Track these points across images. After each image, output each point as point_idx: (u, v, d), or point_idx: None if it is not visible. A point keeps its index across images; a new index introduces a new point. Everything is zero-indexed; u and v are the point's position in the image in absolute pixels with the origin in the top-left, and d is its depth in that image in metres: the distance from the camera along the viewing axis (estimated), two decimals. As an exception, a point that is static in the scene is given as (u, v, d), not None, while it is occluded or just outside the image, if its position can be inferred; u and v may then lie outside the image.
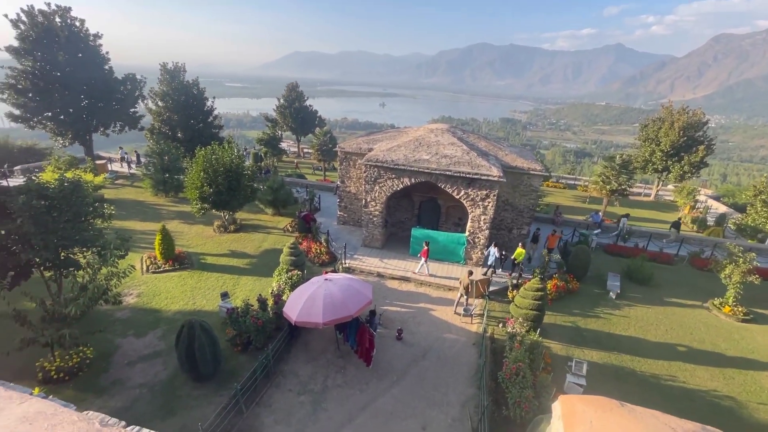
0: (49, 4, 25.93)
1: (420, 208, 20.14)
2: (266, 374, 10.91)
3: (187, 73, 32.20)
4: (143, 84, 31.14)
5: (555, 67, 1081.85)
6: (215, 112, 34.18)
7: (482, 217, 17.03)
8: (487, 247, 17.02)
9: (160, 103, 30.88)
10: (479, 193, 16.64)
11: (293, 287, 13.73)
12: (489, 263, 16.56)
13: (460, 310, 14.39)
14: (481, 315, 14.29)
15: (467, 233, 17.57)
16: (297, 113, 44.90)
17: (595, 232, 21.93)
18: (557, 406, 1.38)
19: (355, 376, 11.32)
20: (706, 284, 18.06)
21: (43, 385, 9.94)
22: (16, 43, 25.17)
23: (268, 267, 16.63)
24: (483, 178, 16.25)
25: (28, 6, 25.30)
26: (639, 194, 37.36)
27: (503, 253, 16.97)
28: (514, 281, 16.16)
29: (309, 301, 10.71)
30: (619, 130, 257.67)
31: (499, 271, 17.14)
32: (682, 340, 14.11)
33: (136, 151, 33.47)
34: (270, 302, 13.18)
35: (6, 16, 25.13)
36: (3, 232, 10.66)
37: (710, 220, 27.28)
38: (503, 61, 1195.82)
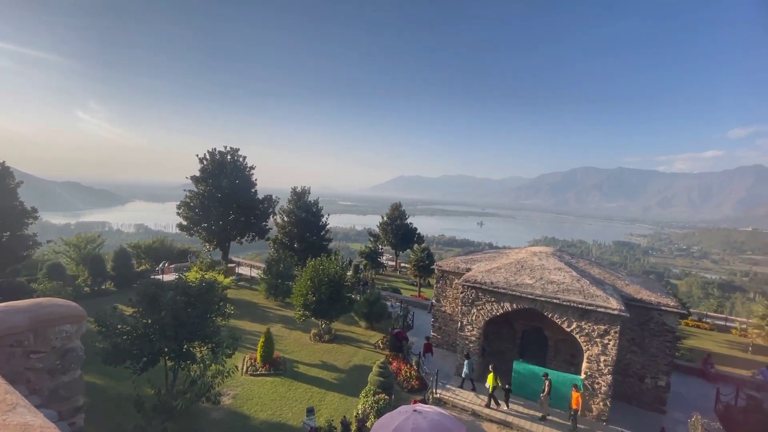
0: (225, 147, 34.96)
1: (523, 337, 18.10)
2: None
3: (310, 195, 38.16)
4: (276, 203, 37.69)
5: (676, 189, 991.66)
6: (327, 227, 38.66)
7: (602, 358, 14.37)
8: (468, 358, 16.32)
9: (285, 219, 36.43)
10: (596, 327, 14.42)
11: (379, 413, 12.77)
12: (464, 373, 16.13)
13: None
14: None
15: (583, 375, 14.80)
16: (398, 230, 47.94)
17: (773, 396, 16.40)
18: None
19: None
20: None
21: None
22: (197, 174, 33.73)
23: (356, 385, 16.00)
24: (600, 310, 14.24)
25: (212, 148, 34.54)
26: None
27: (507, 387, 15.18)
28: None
29: (395, 434, 9.67)
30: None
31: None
32: None
33: None
34: (353, 427, 12.28)
35: (197, 155, 34.42)
36: (150, 321, 12.66)
37: None
38: (612, 183, 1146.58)
